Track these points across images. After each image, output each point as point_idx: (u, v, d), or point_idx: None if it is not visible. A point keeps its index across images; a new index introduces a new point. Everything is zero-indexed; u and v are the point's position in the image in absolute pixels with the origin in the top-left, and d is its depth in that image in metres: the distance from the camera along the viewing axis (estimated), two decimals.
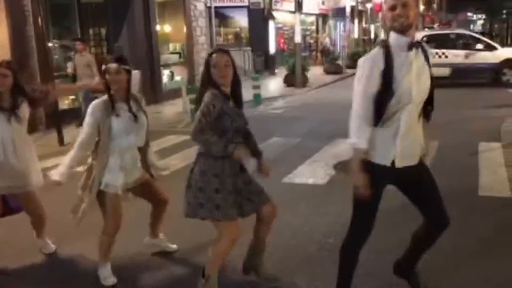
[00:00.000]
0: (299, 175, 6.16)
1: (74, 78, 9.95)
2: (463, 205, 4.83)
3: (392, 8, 2.63)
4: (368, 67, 2.67)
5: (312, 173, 6.24)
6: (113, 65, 3.32)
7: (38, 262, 4.01)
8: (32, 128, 3.92)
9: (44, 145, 8.53)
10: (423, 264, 3.21)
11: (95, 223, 3.57)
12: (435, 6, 61.97)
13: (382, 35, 37.64)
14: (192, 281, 3.38)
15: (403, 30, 2.65)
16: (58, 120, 8.68)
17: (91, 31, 13.38)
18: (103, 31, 13.68)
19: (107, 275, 3.54)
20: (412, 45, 2.67)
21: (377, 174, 2.75)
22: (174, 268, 3.82)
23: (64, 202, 3.72)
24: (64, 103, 10.53)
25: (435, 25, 28.83)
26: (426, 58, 2.78)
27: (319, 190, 5.63)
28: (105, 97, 3.41)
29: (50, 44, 10.42)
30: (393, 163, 2.75)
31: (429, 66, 2.80)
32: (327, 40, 26.39)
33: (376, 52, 2.70)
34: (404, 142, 2.73)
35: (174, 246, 4.06)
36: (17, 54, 9.00)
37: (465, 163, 6.43)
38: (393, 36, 2.69)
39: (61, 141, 8.54)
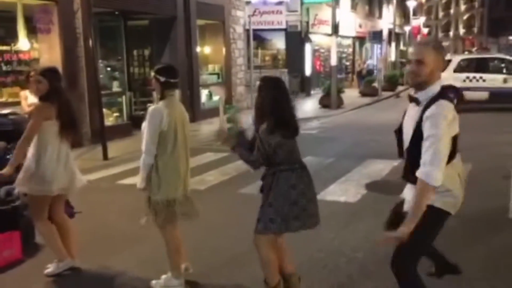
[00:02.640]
0: (331, 193, 6.36)
1: None
2: (492, 227, 4.94)
3: (409, 62, 2.72)
4: None
5: (344, 191, 6.43)
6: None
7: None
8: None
9: (89, 159, 9.05)
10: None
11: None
12: (475, 29, 61.21)
13: None
14: None
15: (414, 86, 2.74)
16: (103, 135, 9.17)
17: (135, 52, 14.09)
18: (146, 52, 14.36)
19: None
20: (412, 99, 2.74)
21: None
22: None
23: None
24: (109, 120, 11.09)
25: (474, 49, 28.51)
26: (423, 113, 2.63)
27: (350, 208, 5.81)
28: None
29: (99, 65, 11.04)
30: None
31: (420, 123, 2.63)
32: (368, 62, 26.71)
33: None
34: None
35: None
36: (68, 74, 9.60)
37: (497, 186, 6.48)
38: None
39: (105, 155, 9.02)
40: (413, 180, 2.62)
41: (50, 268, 4.13)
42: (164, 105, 3.61)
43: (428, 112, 2.57)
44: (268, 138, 3.16)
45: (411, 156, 2.68)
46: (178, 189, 3.67)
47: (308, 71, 22.25)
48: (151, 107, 3.68)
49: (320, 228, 4.99)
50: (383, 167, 7.53)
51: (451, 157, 2.63)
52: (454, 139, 2.65)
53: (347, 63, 28.48)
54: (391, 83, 23.53)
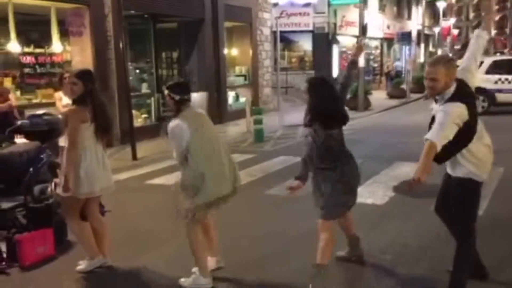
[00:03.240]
0: (359, 195, 6.14)
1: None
2: None
3: (425, 77, 3.24)
4: None
5: (371, 193, 6.37)
6: None
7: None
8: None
9: (119, 159, 9.23)
10: None
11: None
12: (507, 30, 59.72)
13: None
14: None
15: (430, 96, 3.31)
16: (132, 136, 9.33)
17: (163, 54, 14.30)
18: (175, 54, 14.55)
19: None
20: (435, 100, 3.34)
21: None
22: None
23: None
24: (138, 121, 11.28)
25: (506, 51, 27.73)
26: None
27: (378, 210, 5.76)
28: None
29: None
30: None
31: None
32: (396, 64, 26.47)
33: None
34: None
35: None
36: (99, 75, 9.78)
37: None
38: None
39: (134, 156, 9.17)
40: (439, 161, 3.20)
41: (82, 265, 4.23)
42: (183, 119, 3.63)
43: (441, 107, 3.18)
44: (322, 133, 3.50)
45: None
46: (220, 188, 3.69)
47: (335, 73, 22.13)
48: (170, 125, 3.66)
49: None
50: (410, 170, 7.38)
51: (469, 140, 3.20)
52: (470, 126, 3.15)
53: (375, 65, 28.20)
54: (420, 85, 23.16)
